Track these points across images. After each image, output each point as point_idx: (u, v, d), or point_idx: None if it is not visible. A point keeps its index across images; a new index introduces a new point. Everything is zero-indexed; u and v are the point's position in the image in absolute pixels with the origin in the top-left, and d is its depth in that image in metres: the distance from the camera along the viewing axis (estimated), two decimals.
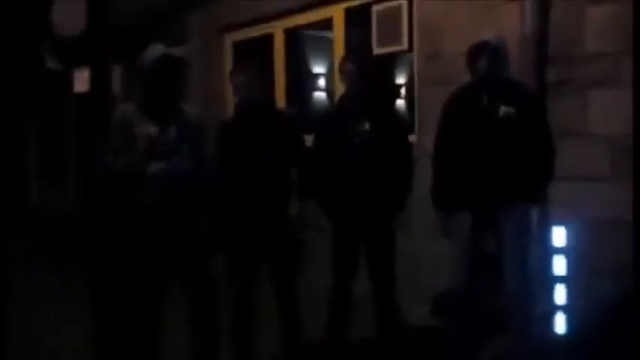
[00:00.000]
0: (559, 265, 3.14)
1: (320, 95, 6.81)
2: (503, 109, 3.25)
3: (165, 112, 2.96)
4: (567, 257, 3.14)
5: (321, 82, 6.80)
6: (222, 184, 3.15)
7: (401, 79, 6.31)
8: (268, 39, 6.09)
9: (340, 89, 5.40)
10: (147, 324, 2.99)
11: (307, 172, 3.50)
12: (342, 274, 3.52)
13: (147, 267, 2.94)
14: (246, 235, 3.35)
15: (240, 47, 6.41)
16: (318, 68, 6.78)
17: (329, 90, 6.53)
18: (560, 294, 3.14)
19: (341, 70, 3.56)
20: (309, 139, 3.62)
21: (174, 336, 3.14)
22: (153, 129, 2.88)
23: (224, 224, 3.17)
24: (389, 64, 5.72)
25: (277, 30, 6.03)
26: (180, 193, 2.91)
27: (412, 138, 4.48)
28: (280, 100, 5.93)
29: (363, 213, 3.43)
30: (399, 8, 4.98)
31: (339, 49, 5.48)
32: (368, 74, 3.49)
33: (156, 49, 2.96)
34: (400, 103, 6.07)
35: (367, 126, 3.41)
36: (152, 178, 2.85)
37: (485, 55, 3.28)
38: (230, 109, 5.99)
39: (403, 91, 6.18)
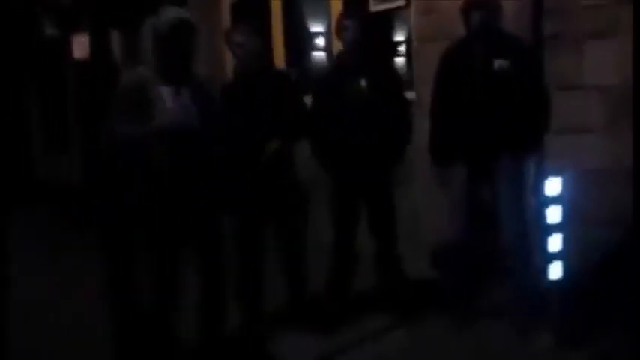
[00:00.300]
0: (553, 215, 3.21)
1: (319, 55, 6.78)
2: (497, 63, 3.30)
3: (179, 76, 3.00)
4: (561, 206, 3.20)
5: (320, 41, 6.77)
6: (225, 147, 3.20)
7: (400, 37, 6.30)
8: None
9: (339, 47, 5.46)
10: (163, 285, 3.08)
11: (308, 132, 3.55)
12: (343, 229, 3.61)
13: (160, 227, 3.00)
14: (248, 196, 3.41)
15: (237, 7, 6.39)
16: (316, 27, 6.75)
17: (328, 49, 6.51)
18: (554, 242, 3.21)
19: (339, 28, 3.59)
20: (309, 100, 3.68)
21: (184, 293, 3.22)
22: (166, 89, 2.93)
23: (228, 185, 3.23)
24: (387, 20, 5.70)
25: None
26: (193, 154, 2.96)
27: (411, 94, 4.53)
28: (279, 61, 5.94)
29: (362, 168, 3.51)
30: None
31: (337, 7, 5.47)
32: (365, 31, 3.52)
33: (171, 12, 2.99)
34: (400, 60, 6.08)
35: (364, 82, 3.45)
36: (166, 139, 2.90)
37: (480, 8, 3.31)
38: (228, 70, 6.02)
39: (402, 48, 6.19)
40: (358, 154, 3.48)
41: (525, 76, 3.33)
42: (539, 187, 3.61)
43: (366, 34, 3.55)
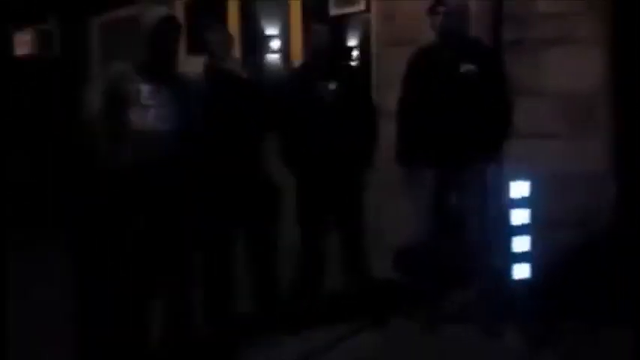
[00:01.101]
0: (519, 217, 3.28)
1: (273, 57, 6.76)
2: (464, 67, 3.34)
3: (160, 72, 2.95)
4: (529, 209, 3.28)
5: (274, 43, 6.75)
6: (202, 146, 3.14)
7: (353, 41, 6.34)
8: None
9: (295, 50, 5.45)
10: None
11: (278, 134, 3.52)
12: (310, 230, 3.58)
13: (130, 225, 2.92)
14: (223, 198, 3.35)
15: (193, 7, 6.28)
16: (271, 30, 6.72)
17: (282, 51, 6.49)
18: (519, 244, 3.28)
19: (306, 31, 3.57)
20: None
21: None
22: (146, 87, 2.86)
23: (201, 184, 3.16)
24: (344, 25, 5.73)
25: None
26: (171, 153, 2.90)
27: None
28: None
29: (330, 171, 3.49)
30: None
31: (295, 11, 5.45)
32: (332, 34, 3.52)
33: (158, 11, 2.95)
34: (355, 64, 6.11)
35: (332, 86, 3.44)
36: (145, 137, 2.83)
37: (445, 13, 3.36)
38: (182, 69, 5.91)
39: (355, 52, 6.23)
40: (326, 158, 3.46)
41: (490, 81, 3.39)
42: (500, 190, 3.70)
43: (333, 38, 3.56)
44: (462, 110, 3.38)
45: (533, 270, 3.26)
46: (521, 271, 3.27)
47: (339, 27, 4.99)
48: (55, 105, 6.85)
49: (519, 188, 3.32)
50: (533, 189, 3.30)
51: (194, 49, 6.04)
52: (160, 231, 3.00)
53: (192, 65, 5.05)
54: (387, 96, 4.13)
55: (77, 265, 3.16)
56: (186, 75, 3.20)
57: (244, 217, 3.44)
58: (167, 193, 2.96)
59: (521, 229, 3.28)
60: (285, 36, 6.11)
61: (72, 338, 3.18)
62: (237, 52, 5.91)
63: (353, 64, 5.44)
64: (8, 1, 7.26)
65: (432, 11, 3.42)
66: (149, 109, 2.88)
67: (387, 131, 3.63)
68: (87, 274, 3.13)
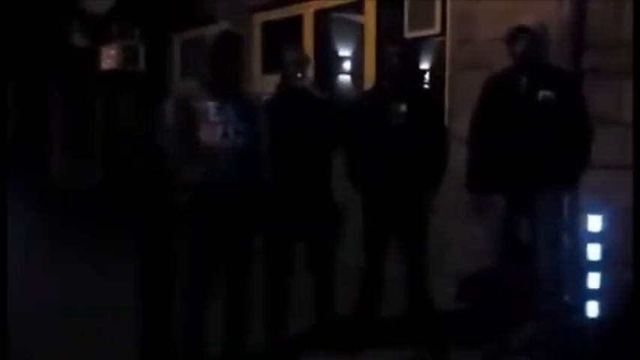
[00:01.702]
0: (593, 252, 3.14)
1: (345, 78, 6.81)
2: (542, 94, 3.26)
3: (226, 90, 3.01)
4: (601, 245, 3.14)
5: (347, 65, 6.80)
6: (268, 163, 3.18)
7: (426, 64, 6.31)
8: (298, 20, 6.10)
9: (369, 71, 5.48)
10: (196, 302, 3.06)
11: (348, 154, 3.52)
12: (374, 253, 3.56)
13: (202, 245, 2.99)
14: (288, 215, 3.37)
15: (269, 27, 6.42)
16: (345, 51, 6.78)
17: (354, 73, 6.53)
18: (593, 280, 3.15)
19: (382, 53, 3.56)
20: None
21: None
22: (213, 104, 2.92)
23: (272, 202, 3.20)
24: (418, 48, 5.71)
25: (307, 11, 6.03)
26: (239, 170, 2.95)
27: None
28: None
29: (397, 194, 3.46)
30: None
31: (370, 33, 5.48)
32: (406, 57, 3.51)
33: (219, 27, 3.03)
34: (427, 87, 6.08)
35: (404, 108, 3.42)
36: (212, 153, 2.89)
37: (524, 39, 3.28)
38: (257, 88, 6.03)
39: (427, 75, 6.19)
40: (395, 180, 3.44)
41: (569, 109, 3.29)
42: (574, 223, 3.56)
43: (407, 61, 3.55)
44: (538, 138, 3.29)
45: (604, 308, 3.11)
46: (593, 309, 3.12)
47: (414, 50, 4.96)
48: (136, 119, 7.13)
49: (594, 222, 3.19)
50: (608, 223, 3.16)
51: (270, 68, 6.19)
52: (224, 244, 3.04)
53: (268, 84, 5.17)
54: (459, 120, 4.08)
55: (140, 269, 3.25)
56: (252, 92, 3.24)
57: (307, 235, 3.45)
58: (234, 210, 2.99)
59: (593, 265, 3.15)
60: (358, 57, 6.15)
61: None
62: (310, 72, 6.00)
63: (426, 87, 5.41)
64: (98, 16, 7.66)
65: (510, 37, 3.34)
66: (217, 126, 2.93)
67: (458, 156, 3.57)
68: (150, 282, 3.22)
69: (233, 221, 3.02)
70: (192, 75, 4.00)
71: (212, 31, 3.05)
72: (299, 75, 3.41)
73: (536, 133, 3.26)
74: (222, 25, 3.10)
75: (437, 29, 4.99)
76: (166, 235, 3.16)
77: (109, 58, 7.47)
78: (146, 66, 7.53)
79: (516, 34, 3.32)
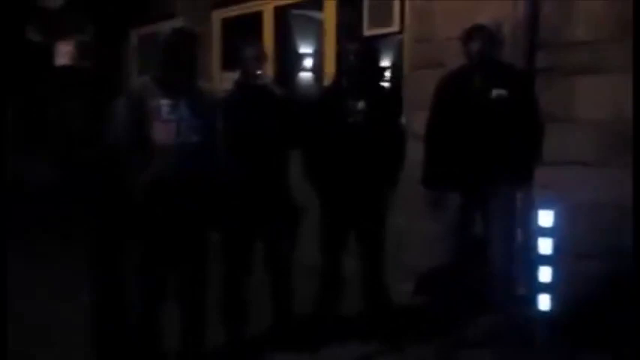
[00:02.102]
0: (544, 247, 3.22)
1: (306, 75, 6.82)
2: (495, 92, 3.33)
3: (180, 88, 2.98)
4: (552, 239, 3.22)
5: (307, 62, 6.81)
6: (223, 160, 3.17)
7: (386, 62, 6.36)
8: (257, 16, 6.08)
9: (328, 69, 5.49)
10: (151, 300, 3.04)
11: (305, 152, 3.53)
12: (332, 251, 3.57)
13: (155, 245, 2.96)
14: (244, 213, 3.36)
15: (228, 24, 6.38)
16: (305, 48, 6.79)
17: (315, 70, 6.55)
18: (544, 274, 3.22)
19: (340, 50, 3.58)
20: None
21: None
22: (166, 102, 2.89)
23: (228, 200, 3.18)
24: (377, 46, 5.75)
25: (267, 7, 6.02)
26: (192, 168, 2.93)
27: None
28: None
29: (355, 191, 3.48)
30: None
31: (330, 30, 5.50)
32: (366, 54, 3.53)
33: (174, 23, 2.99)
34: (386, 85, 6.13)
35: (363, 105, 3.44)
36: (165, 151, 2.86)
37: (480, 38, 3.34)
38: (216, 85, 6.00)
39: (387, 73, 6.25)
40: (352, 177, 3.45)
41: (522, 107, 3.36)
42: (527, 218, 3.64)
43: (365, 58, 3.57)
44: (492, 135, 3.36)
45: (557, 301, 3.19)
46: (544, 302, 3.20)
47: (372, 47, 4.99)
48: (87, 116, 6.99)
49: (547, 217, 3.26)
50: (560, 218, 3.24)
51: (229, 65, 6.15)
52: (179, 243, 3.02)
53: (227, 81, 5.13)
54: (417, 118, 4.13)
55: (96, 277, 3.21)
56: (207, 89, 3.21)
57: (263, 233, 3.45)
58: (187, 208, 2.97)
59: (545, 259, 3.23)
60: (319, 55, 6.17)
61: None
62: (270, 69, 5.99)
63: (384, 84, 5.45)
64: (52, 11, 7.49)
65: (467, 36, 3.40)
66: (170, 124, 2.90)
67: (416, 153, 3.61)
68: (105, 286, 3.18)
69: (187, 220, 2.99)
70: (149, 72, 3.95)
71: (166, 28, 3.01)
72: (257, 71, 3.40)
73: (490, 130, 3.33)
74: (178, 22, 3.06)
75: (396, 27, 5.03)
76: (119, 234, 3.11)
77: (64, 54, 7.32)
78: (102, 62, 7.40)
79: (472, 33, 3.38)
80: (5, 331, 2.79)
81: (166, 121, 2.90)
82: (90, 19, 7.40)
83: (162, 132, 2.88)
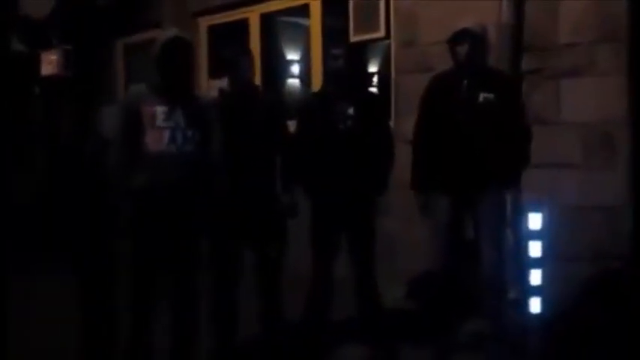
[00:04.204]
0: (534, 249, 3.22)
1: (293, 82, 6.82)
2: (482, 96, 3.33)
3: (176, 95, 2.98)
4: (541, 241, 3.23)
5: (295, 68, 6.81)
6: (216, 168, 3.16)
7: (373, 67, 6.37)
8: (244, 23, 6.07)
9: (315, 75, 5.50)
10: (141, 311, 3.02)
11: (291, 158, 3.52)
12: (323, 256, 3.55)
13: (146, 252, 2.94)
14: (233, 220, 3.35)
15: (215, 31, 6.37)
16: (292, 55, 6.78)
17: (302, 77, 6.54)
18: (534, 277, 3.23)
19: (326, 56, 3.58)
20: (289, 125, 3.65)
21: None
22: (162, 109, 2.89)
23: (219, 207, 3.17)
24: (364, 51, 5.77)
25: (253, 15, 6.01)
26: (184, 174, 2.93)
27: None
28: None
29: (345, 196, 3.48)
30: None
31: (316, 36, 5.50)
32: (352, 60, 3.54)
33: (168, 32, 2.99)
34: (374, 90, 6.14)
35: (351, 110, 3.45)
36: (160, 160, 2.85)
37: (467, 42, 3.35)
38: (204, 93, 5.97)
39: (375, 78, 6.25)
40: (342, 182, 3.45)
41: (509, 110, 3.37)
42: (516, 220, 3.65)
43: (352, 64, 3.57)
44: (479, 139, 3.36)
45: (547, 304, 3.19)
46: (534, 305, 3.21)
47: (358, 53, 5.00)
48: (73, 125, 6.95)
49: (534, 219, 3.27)
50: (548, 221, 3.25)
51: (216, 72, 6.14)
52: (170, 251, 3.00)
53: (214, 89, 5.11)
54: (405, 122, 4.14)
55: (84, 287, 3.18)
56: (203, 97, 3.22)
57: (253, 238, 3.44)
58: (179, 214, 2.96)
59: (535, 262, 3.23)
60: (305, 61, 6.17)
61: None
62: (257, 76, 5.98)
63: (372, 90, 5.46)
64: (37, 21, 7.44)
65: (453, 40, 3.41)
66: (164, 132, 2.90)
67: (404, 157, 3.62)
68: (94, 298, 3.15)
69: (177, 227, 2.98)
70: (136, 81, 3.94)
71: (162, 35, 3.01)
72: (246, 78, 3.39)
73: (478, 133, 3.34)
74: (171, 30, 3.05)
75: (382, 33, 5.06)
76: (108, 246, 3.09)
77: (49, 63, 7.27)
78: (87, 72, 7.37)
79: (459, 36, 3.39)
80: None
81: (161, 128, 2.91)
82: (76, 28, 7.36)
83: (156, 139, 2.89)
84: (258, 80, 5.93)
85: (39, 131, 7.81)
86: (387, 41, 5.09)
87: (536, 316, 3.21)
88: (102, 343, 3.17)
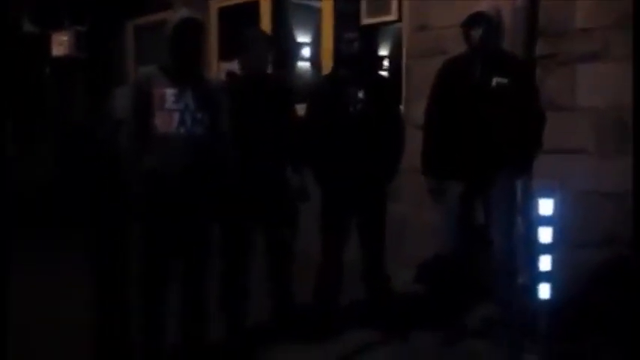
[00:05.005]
0: (544, 235, 3.21)
1: (303, 65, 6.78)
2: (496, 80, 3.30)
3: (187, 77, 2.96)
4: (552, 227, 3.21)
5: (305, 51, 6.77)
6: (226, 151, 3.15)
7: (385, 51, 6.32)
8: (254, 5, 6.04)
9: (326, 58, 5.47)
10: (153, 294, 3.03)
11: (301, 142, 3.51)
12: (333, 240, 3.56)
13: (156, 235, 2.95)
14: (243, 204, 3.35)
15: (225, 13, 6.34)
16: (303, 37, 6.74)
17: (312, 59, 6.51)
18: (544, 263, 3.21)
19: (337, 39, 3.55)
20: (299, 108, 3.64)
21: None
22: (171, 90, 2.87)
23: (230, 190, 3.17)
24: (375, 34, 5.72)
25: None
26: (194, 156, 2.92)
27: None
28: None
29: (355, 180, 3.47)
30: None
31: (327, 19, 5.46)
32: (363, 43, 3.51)
33: (180, 12, 2.97)
34: (385, 74, 6.10)
35: (362, 94, 3.43)
36: (169, 143, 2.85)
37: (481, 25, 3.30)
38: (214, 75, 5.96)
39: (386, 62, 6.21)
40: (353, 166, 3.44)
41: (522, 95, 3.34)
42: (526, 206, 3.64)
43: (363, 47, 3.54)
44: (492, 123, 3.33)
45: (557, 290, 3.18)
46: (544, 291, 3.20)
47: (371, 36, 4.96)
48: (84, 106, 6.94)
49: (545, 205, 3.25)
50: (560, 206, 3.23)
51: (226, 55, 6.12)
52: (180, 234, 3.01)
53: (224, 71, 5.08)
54: (416, 106, 4.11)
55: (95, 265, 3.19)
56: (213, 79, 3.20)
57: (264, 222, 3.44)
58: (189, 198, 2.96)
59: (545, 248, 3.21)
60: (316, 44, 6.13)
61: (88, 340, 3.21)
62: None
63: (383, 73, 5.43)
64: (48, 2, 7.43)
65: (468, 23, 3.37)
66: (174, 114, 2.89)
67: (415, 141, 3.60)
68: (105, 277, 3.17)
69: (188, 210, 2.98)
70: (146, 62, 3.92)
71: (173, 17, 2.99)
72: (258, 63, 3.37)
73: (490, 118, 3.31)
74: (183, 11, 3.02)
75: (394, 16, 5.01)
76: (121, 228, 3.10)
77: (60, 44, 7.27)
78: (98, 52, 7.36)
79: (474, 20, 3.35)
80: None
81: (170, 110, 2.89)
82: (86, 9, 7.35)
83: (166, 121, 2.87)
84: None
85: (50, 112, 7.82)
86: (399, 24, 5.04)
87: (546, 302, 3.20)
88: (115, 328, 3.19)
